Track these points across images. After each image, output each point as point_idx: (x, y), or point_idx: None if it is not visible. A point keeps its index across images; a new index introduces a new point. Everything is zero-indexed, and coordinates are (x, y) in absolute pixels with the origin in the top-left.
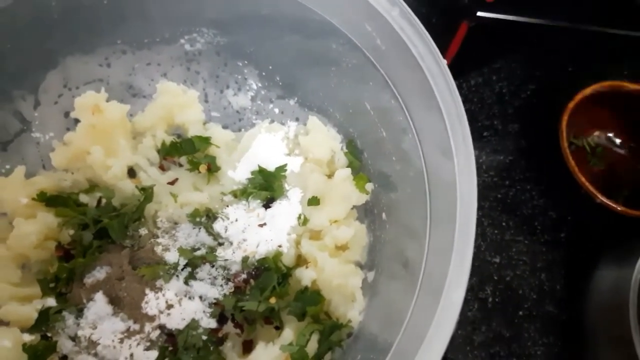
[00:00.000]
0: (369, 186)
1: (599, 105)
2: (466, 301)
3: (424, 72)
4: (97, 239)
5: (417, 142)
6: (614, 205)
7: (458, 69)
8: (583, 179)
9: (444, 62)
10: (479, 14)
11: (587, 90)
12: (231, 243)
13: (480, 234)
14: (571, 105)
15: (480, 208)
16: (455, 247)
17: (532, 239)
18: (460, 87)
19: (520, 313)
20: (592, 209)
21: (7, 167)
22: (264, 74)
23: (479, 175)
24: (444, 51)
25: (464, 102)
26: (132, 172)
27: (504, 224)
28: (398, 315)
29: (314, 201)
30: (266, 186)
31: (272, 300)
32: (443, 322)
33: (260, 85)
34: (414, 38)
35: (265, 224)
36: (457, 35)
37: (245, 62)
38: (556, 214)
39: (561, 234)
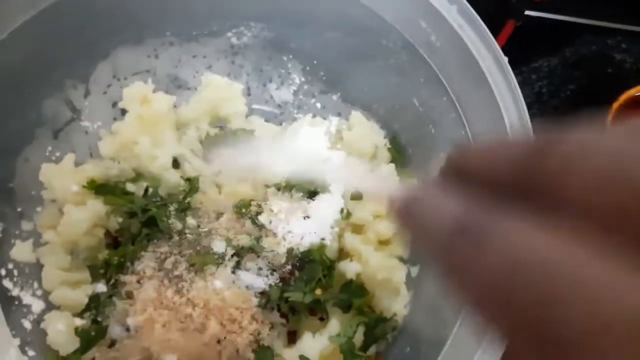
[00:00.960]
0: (413, 182)
1: None
2: None
3: (481, 69)
4: (146, 227)
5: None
6: None
7: None
8: None
9: (506, 59)
10: (527, 12)
11: (632, 91)
12: (276, 235)
13: None
14: (616, 105)
15: None
16: None
17: None
18: None
19: None
20: None
21: (58, 154)
22: (307, 68)
23: None
24: None
25: None
26: (175, 163)
27: None
28: (447, 314)
29: (356, 195)
30: (309, 180)
31: (318, 292)
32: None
33: (303, 79)
34: (472, 35)
35: (309, 216)
36: (502, 34)
37: (290, 56)
38: None
39: None
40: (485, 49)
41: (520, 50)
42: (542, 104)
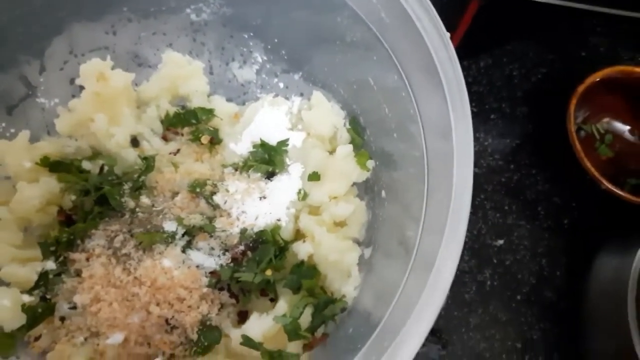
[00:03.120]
0: (370, 163)
1: (610, 91)
2: (464, 283)
3: (428, 47)
4: (98, 205)
5: (419, 120)
6: (618, 192)
7: (467, 50)
8: (589, 164)
9: (447, 35)
10: None
11: (598, 75)
12: (230, 215)
13: (482, 217)
14: (581, 88)
15: (483, 191)
16: (448, 223)
17: (535, 224)
18: (468, 69)
19: (518, 297)
20: (597, 196)
21: (12, 131)
22: (269, 47)
23: (483, 158)
24: (453, 30)
25: (472, 83)
26: (135, 142)
27: (506, 207)
28: (391, 290)
29: (314, 176)
30: (267, 160)
31: (268, 273)
32: (432, 295)
33: (265, 58)
34: (418, 11)
35: (265, 197)
36: (466, 14)
37: (251, 34)
38: (560, 200)
39: (564, 220)
40: (430, 23)
41: (491, 32)
42: (512, 87)
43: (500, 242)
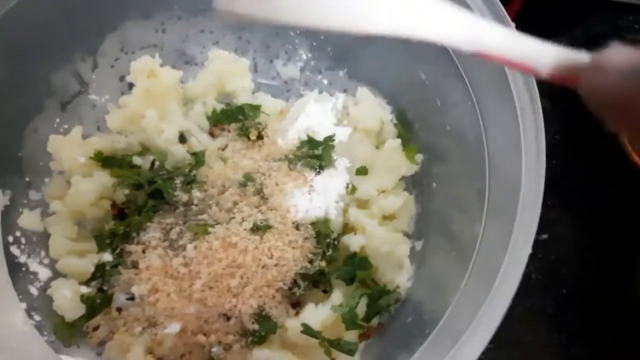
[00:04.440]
0: (419, 157)
1: None
2: None
3: None
4: (152, 199)
5: (479, 117)
6: None
7: None
8: (636, 158)
9: (513, 25)
10: None
11: None
12: (281, 208)
13: None
14: None
15: None
16: (516, 225)
17: (578, 218)
18: None
19: (564, 291)
20: None
21: (66, 126)
22: (314, 44)
23: None
24: None
25: None
26: (182, 138)
27: (549, 202)
28: (449, 287)
29: (362, 171)
30: (315, 155)
31: (323, 264)
32: (497, 300)
33: (310, 55)
34: (480, 5)
35: (314, 191)
36: (509, 10)
37: (298, 32)
38: (604, 194)
39: (608, 214)
40: (494, 19)
41: (528, 29)
42: (547, 84)
43: (545, 236)
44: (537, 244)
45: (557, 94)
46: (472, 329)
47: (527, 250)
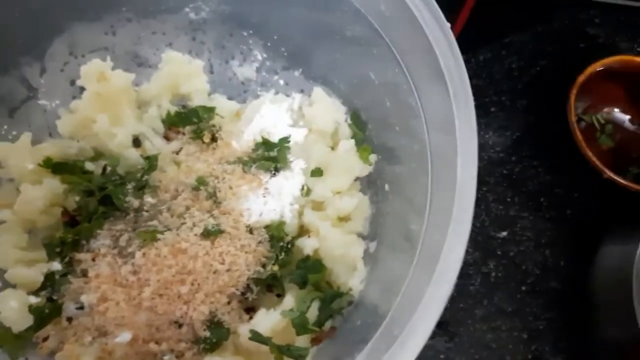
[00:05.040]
0: (373, 157)
1: (609, 81)
2: (468, 275)
3: (428, 39)
4: (102, 205)
5: (422, 113)
6: (621, 181)
7: (466, 43)
8: (590, 154)
9: (448, 26)
10: None
11: (598, 65)
12: (234, 211)
13: (485, 210)
14: (581, 79)
15: (485, 183)
16: (453, 216)
17: (538, 215)
18: (468, 62)
19: (523, 288)
20: (600, 185)
21: (14, 133)
22: (269, 44)
23: (485, 150)
24: (451, 24)
25: (472, 77)
26: (137, 142)
27: (509, 199)
28: (397, 283)
29: (317, 172)
30: (270, 157)
31: (275, 268)
32: (439, 286)
33: (265, 56)
34: (418, 3)
35: (268, 193)
36: (465, 7)
37: (251, 32)
38: (563, 190)
39: (567, 210)
40: (430, 15)
41: (491, 26)
42: (512, 79)
43: (504, 233)
44: (496, 241)
45: (516, 91)
46: (415, 317)
47: (461, 250)
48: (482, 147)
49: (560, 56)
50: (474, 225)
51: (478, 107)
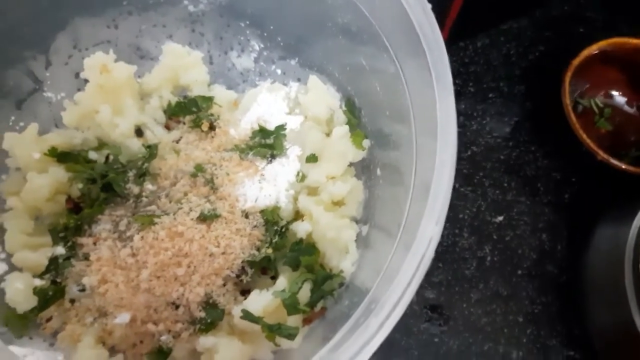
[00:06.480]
0: (366, 143)
1: (606, 64)
2: (464, 260)
3: (412, 22)
4: (104, 192)
5: (409, 98)
6: (615, 163)
7: (464, 30)
8: (584, 136)
9: (429, 7)
10: None
11: (593, 48)
12: (230, 197)
13: (481, 195)
14: (576, 62)
15: (482, 169)
16: (429, 198)
17: (534, 199)
18: (465, 49)
19: (519, 272)
20: (597, 169)
21: (22, 124)
22: (265, 34)
23: (482, 136)
24: (447, 9)
25: (469, 63)
26: (139, 132)
27: (505, 184)
28: (382, 263)
29: (312, 158)
30: (266, 144)
31: (269, 251)
32: (412, 260)
33: (262, 46)
34: None
35: (265, 180)
36: None
37: (248, 22)
38: (560, 175)
39: (564, 195)
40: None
41: (488, 12)
42: (509, 65)
43: (500, 218)
44: (492, 226)
45: (514, 77)
46: (390, 291)
47: (433, 225)
48: (479, 133)
49: (559, 41)
50: (470, 209)
51: (475, 93)
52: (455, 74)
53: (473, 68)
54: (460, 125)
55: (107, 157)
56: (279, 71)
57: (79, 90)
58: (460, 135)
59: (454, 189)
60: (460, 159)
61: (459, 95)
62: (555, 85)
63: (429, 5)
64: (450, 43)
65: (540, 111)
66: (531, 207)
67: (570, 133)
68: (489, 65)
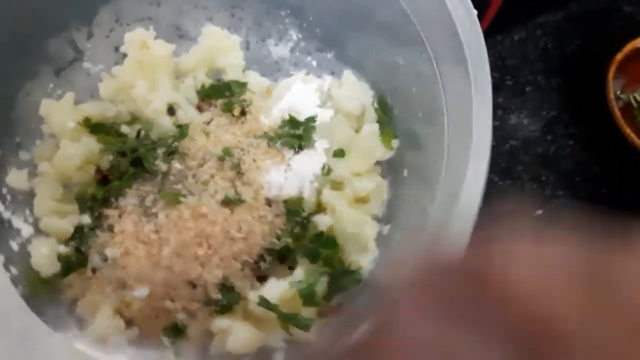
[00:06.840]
0: (395, 142)
1: None
2: None
3: (455, 25)
4: (133, 167)
5: (444, 102)
6: None
7: (501, 24)
8: (628, 130)
9: (475, 13)
10: None
11: (637, 42)
12: (255, 183)
13: (520, 188)
14: (619, 57)
15: (520, 163)
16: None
17: (573, 193)
18: (502, 42)
19: None
20: (637, 164)
21: (59, 92)
22: (304, 25)
23: (520, 130)
24: (486, 4)
25: (506, 57)
26: (171, 111)
27: (544, 178)
28: (404, 265)
29: (339, 153)
30: (295, 134)
31: (289, 241)
32: None
33: (300, 36)
34: None
35: (290, 170)
36: None
37: (288, 11)
38: (599, 169)
39: (603, 189)
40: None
41: (524, 5)
42: (547, 59)
43: (539, 212)
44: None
45: (551, 70)
46: None
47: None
48: (517, 127)
49: (595, 35)
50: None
51: (512, 86)
52: (493, 68)
53: (510, 62)
54: (497, 119)
55: (138, 133)
56: (314, 63)
57: (116, 63)
58: (499, 129)
59: (493, 182)
60: (498, 152)
61: (496, 89)
62: (592, 79)
63: (475, 12)
64: (487, 36)
65: (578, 105)
66: (570, 200)
67: (610, 127)
68: (525, 58)
